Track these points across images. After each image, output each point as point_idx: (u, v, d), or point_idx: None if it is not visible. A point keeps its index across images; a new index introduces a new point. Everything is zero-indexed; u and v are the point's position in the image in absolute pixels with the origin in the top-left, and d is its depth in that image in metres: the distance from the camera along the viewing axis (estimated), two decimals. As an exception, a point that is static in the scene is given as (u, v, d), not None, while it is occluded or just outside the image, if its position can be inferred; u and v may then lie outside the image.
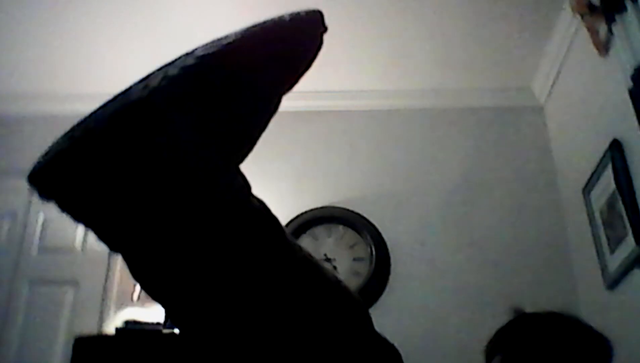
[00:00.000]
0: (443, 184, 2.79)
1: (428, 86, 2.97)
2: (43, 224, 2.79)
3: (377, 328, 0.62)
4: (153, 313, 2.50)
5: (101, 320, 2.53)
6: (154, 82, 0.51)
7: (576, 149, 2.55)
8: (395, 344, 0.62)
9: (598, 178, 2.25)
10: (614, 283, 2.14)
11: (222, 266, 0.49)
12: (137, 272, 0.51)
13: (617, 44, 1.96)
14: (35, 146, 2.80)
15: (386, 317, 2.23)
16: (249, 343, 0.50)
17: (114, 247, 0.51)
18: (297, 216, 2.73)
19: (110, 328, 2.45)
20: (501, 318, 2.70)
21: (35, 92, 3.03)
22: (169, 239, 0.48)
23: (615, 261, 2.11)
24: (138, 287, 2.56)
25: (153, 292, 0.52)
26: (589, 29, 2.16)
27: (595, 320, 2.43)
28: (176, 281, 0.50)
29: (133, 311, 2.54)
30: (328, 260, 2.64)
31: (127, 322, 2.30)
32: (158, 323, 2.30)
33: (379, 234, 2.67)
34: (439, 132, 2.94)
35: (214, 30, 2.81)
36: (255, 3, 2.51)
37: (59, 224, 2.78)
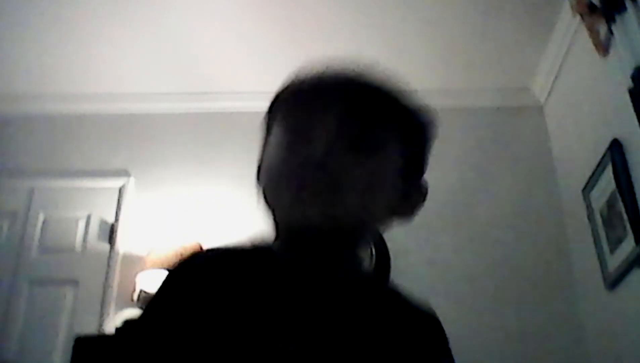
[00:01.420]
0: (443, 184, 2.78)
1: (428, 86, 2.96)
2: (43, 224, 2.79)
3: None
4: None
5: (101, 320, 2.53)
6: None
7: (576, 149, 2.55)
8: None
9: (598, 178, 2.25)
10: (614, 283, 2.14)
11: None
12: None
13: (617, 44, 1.96)
14: (35, 146, 2.82)
15: (386, 317, 2.22)
16: None
17: None
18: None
19: (110, 328, 2.45)
20: (501, 318, 2.71)
21: (35, 92, 3.03)
22: None
23: (615, 261, 2.11)
24: (138, 287, 2.57)
25: None
26: (589, 29, 2.16)
27: (595, 320, 2.45)
28: None
29: (133, 311, 2.54)
30: (328, 260, 2.64)
31: (127, 322, 2.30)
32: (158, 323, 2.29)
33: (379, 234, 2.67)
34: (439, 132, 2.94)
35: (213, 30, 2.83)
36: (254, 3, 2.51)
37: (59, 225, 2.78)
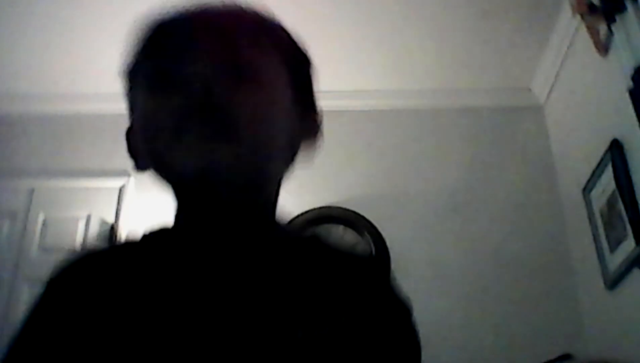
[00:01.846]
0: (443, 184, 2.78)
1: (428, 86, 2.97)
2: (43, 224, 2.79)
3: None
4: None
5: (101, 320, 2.53)
6: None
7: (576, 149, 2.55)
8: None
9: (598, 178, 2.25)
10: (614, 283, 2.14)
11: None
12: None
13: (617, 44, 1.96)
14: (35, 146, 2.82)
15: (386, 317, 2.22)
16: None
17: None
18: (297, 216, 2.73)
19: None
20: (501, 318, 2.70)
21: (35, 92, 3.02)
22: None
23: (615, 261, 2.11)
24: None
25: None
26: (589, 29, 2.16)
27: (595, 320, 2.44)
28: None
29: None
30: (328, 260, 2.64)
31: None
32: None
33: (379, 234, 2.67)
34: (438, 132, 2.94)
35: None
36: (254, 3, 2.51)
37: (59, 225, 2.78)
